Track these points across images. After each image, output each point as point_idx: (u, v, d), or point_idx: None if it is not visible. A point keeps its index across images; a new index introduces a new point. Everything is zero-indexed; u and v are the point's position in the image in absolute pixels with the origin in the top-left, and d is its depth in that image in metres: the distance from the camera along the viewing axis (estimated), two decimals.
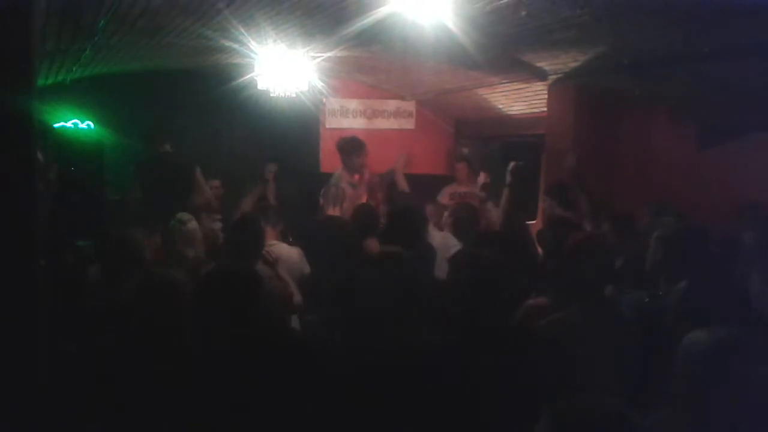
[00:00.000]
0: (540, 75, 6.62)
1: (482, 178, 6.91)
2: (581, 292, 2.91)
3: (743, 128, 5.99)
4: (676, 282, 3.28)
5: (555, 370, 2.61)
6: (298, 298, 4.57)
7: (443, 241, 5.18)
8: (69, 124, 8.28)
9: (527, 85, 7.11)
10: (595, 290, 2.90)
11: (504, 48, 5.80)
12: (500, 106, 8.20)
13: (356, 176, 7.06)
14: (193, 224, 4.59)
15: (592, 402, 1.83)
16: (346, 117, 9.42)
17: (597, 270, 2.90)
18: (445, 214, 5.93)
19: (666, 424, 1.98)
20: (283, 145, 8.28)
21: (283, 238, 5.26)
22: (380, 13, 4.55)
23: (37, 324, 2.32)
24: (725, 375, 1.86)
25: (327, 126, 9.32)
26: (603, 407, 1.80)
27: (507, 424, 2.35)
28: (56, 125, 8.06)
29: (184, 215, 4.64)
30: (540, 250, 4.97)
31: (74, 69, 6.70)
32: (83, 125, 8.25)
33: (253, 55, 6.27)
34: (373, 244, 4.67)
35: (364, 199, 6.68)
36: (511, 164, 5.78)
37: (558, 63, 6.12)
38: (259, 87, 6.73)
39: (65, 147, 7.71)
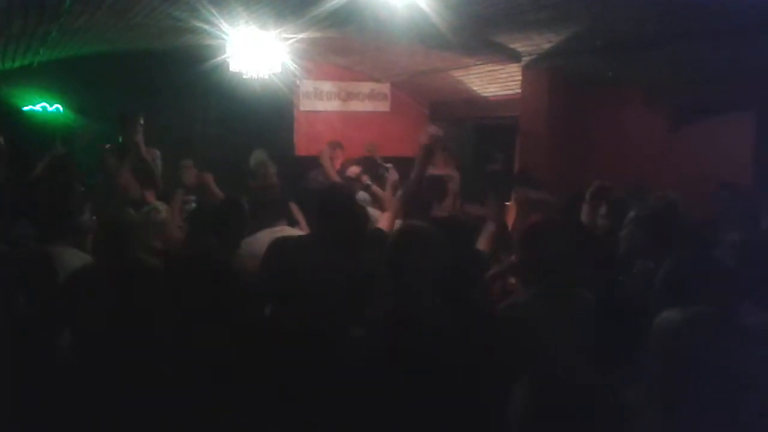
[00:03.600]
0: (514, 56, 6.62)
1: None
2: (541, 276, 2.91)
3: (716, 109, 6.04)
4: (650, 261, 3.31)
5: (517, 350, 2.61)
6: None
7: None
8: (38, 107, 8.15)
9: (501, 66, 7.11)
10: (554, 273, 2.89)
11: (477, 29, 5.78)
12: (474, 88, 8.19)
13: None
14: (164, 215, 4.45)
15: (565, 374, 1.84)
16: (320, 99, 9.34)
17: (555, 253, 2.90)
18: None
19: (636, 403, 1.99)
20: (257, 128, 8.20)
21: None
22: None
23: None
24: (696, 354, 1.87)
25: (301, 108, 9.24)
26: (575, 379, 1.81)
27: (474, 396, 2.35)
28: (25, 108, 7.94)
29: (158, 204, 4.51)
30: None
31: (41, 51, 6.55)
32: (52, 108, 8.13)
33: (224, 36, 6.18)
34: None
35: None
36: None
37: (532, 44, 6.12)
38: (232, 69, 6.66)
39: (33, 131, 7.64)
